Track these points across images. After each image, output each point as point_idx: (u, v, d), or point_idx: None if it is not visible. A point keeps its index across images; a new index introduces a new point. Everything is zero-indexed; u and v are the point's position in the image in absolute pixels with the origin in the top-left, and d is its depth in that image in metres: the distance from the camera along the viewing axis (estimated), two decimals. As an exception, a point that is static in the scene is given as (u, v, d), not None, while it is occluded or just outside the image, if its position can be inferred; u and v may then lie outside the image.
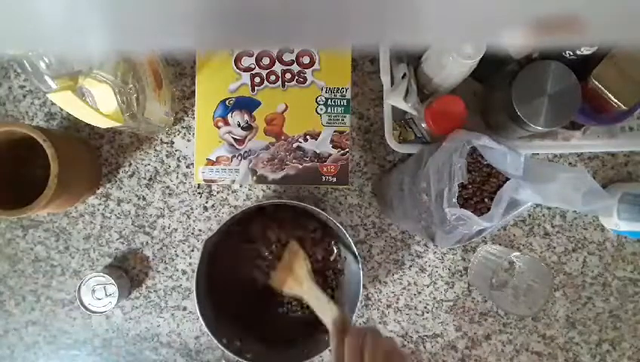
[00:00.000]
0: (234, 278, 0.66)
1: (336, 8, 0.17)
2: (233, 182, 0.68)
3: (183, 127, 0.70)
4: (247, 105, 0.67)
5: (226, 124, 0.67)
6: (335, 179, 0.67)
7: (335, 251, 0.67)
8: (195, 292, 0.59)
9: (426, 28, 0.18)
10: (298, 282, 0.61)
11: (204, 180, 0.67)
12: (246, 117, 0.67)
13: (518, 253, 0.65)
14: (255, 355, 0.60)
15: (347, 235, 0.60)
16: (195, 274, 0.59)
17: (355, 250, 0.60)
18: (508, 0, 0.17)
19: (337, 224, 0.60)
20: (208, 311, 0.61)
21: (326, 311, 0.54)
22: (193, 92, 0.68)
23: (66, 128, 0.70)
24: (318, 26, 0.18)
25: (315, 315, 0.56)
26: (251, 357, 0.60)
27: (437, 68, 0.59)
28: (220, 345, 0.59)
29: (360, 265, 0.60)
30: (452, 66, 0.57)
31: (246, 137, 0.67)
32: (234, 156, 0.67)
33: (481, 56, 0.55)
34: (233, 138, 0.67)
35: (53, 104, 0.69)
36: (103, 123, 0.50)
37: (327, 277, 0.66)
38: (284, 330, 0.65)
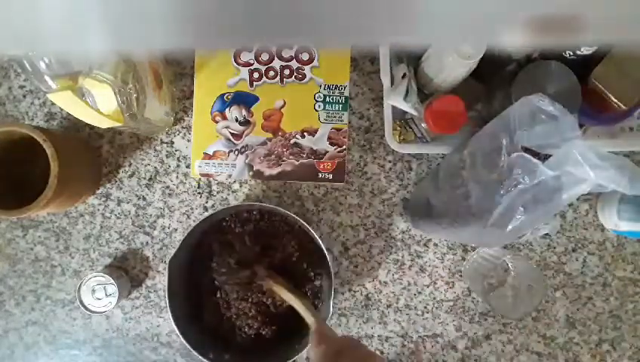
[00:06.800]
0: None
1: (335, 8, 0.17)
2: (230, 176, 0.68)
3: (183, 127, 0.70)
4: (245, 100, 0.67)
5: (224, 118, 0.67)
6: (331, 176, 0.67)
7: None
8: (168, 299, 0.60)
9: (425, 27, 0.18)
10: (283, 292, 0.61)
11: (201, 174, 0.67)
12: (244, 112, 0.67)
13: (509, 256, 0.65)
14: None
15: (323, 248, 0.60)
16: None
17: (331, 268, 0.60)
18: (508, 0, 0.17)
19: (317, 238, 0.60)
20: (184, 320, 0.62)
21: (307, 318, 0.55)
22: (193, 92, 0.68)
23: (66, 128, 0.70)
24: (318, 26, 0.18)
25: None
26: None
27: (437, 68, 0.59)
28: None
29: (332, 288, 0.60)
30: (452, 66, 0.57)
31: (243, 132, 0.67)
32: (231, 151, 0.67)
33: (481, 56, 0.55)
34: (230, 133, 0.67)
35: (53, 104, 0.69)
36: (103, 123, 0.50)
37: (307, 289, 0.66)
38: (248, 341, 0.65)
